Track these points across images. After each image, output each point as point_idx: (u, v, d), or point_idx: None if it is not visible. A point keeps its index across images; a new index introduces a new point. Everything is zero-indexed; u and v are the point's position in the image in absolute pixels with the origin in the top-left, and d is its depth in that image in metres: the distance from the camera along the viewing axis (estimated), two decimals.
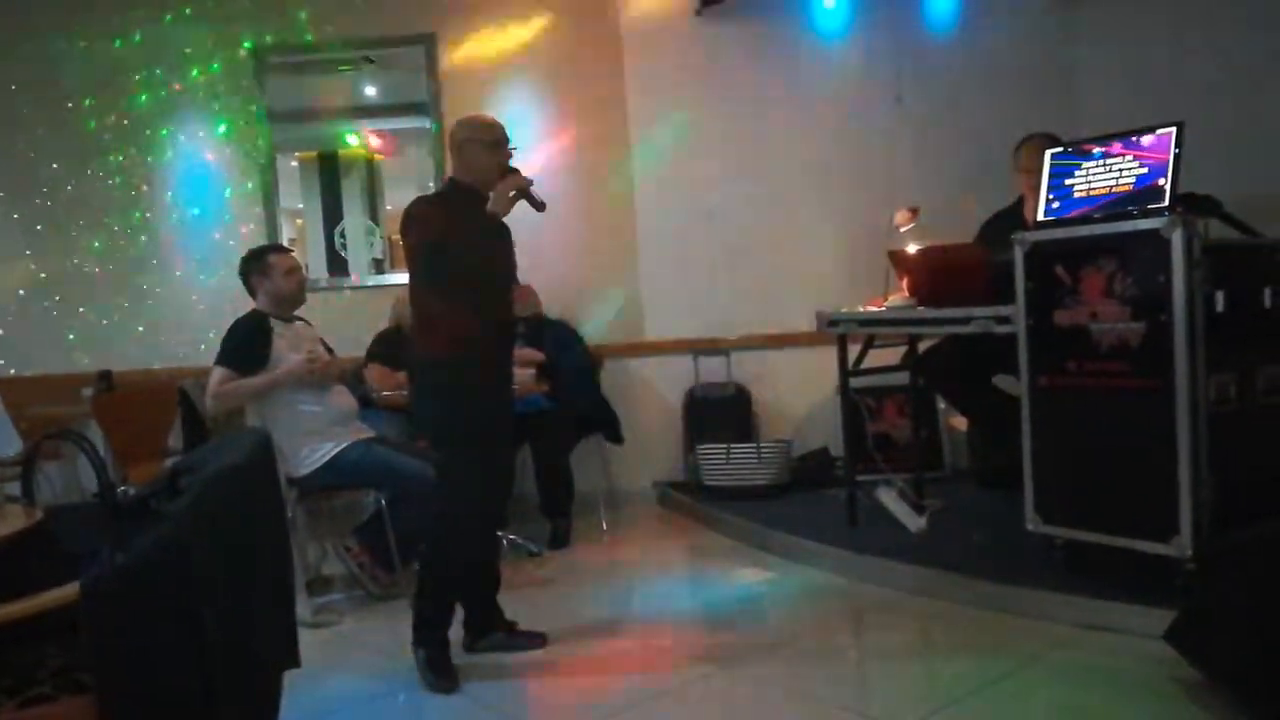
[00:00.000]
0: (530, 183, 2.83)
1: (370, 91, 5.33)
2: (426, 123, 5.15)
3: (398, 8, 5.06)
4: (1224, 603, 2.40)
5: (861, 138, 4.90)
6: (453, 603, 2.92)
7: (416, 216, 2.84)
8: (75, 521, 2.09)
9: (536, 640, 3.06)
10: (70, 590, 1.52)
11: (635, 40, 5.05)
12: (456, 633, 2.97)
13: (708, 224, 5.03)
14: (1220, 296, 2.65)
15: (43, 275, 5.26)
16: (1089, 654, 2.67)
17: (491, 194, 2.80)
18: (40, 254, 5.26)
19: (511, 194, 2.80)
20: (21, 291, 5.27)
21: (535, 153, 5.08)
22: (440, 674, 2.80)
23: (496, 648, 3.04)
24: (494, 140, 2.92)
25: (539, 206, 2.87)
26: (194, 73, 5.14)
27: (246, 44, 5.11)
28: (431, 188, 5.16)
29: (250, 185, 5.18)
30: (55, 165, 5.20)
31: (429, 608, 2.87)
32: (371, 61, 5.23)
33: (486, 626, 3.06)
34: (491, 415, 2.92)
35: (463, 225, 2.76)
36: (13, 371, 5.26)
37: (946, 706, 2.46)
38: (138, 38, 5.14)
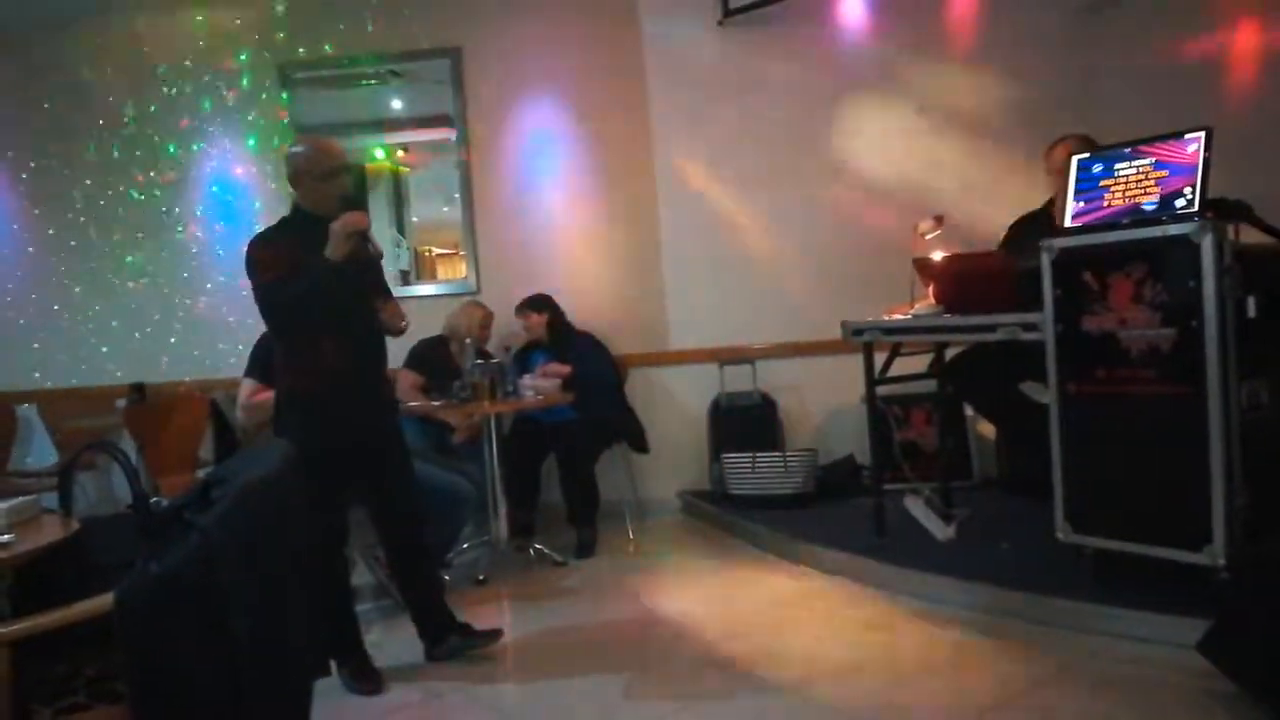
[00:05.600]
0: (367, 224, 2.79)
1: (396, 105, 5.39)
2: (452, 135, 5.21)
3: (424, 22, 5.11)
4: (1258, 613, 2.36)
5: (885, 146, 4.89)
6: (344, 621, 2.96)
7: (255, 261, 2.79)
8: (110, 532, 2.13)
9: (493, 636, 3.08)
10: (105, 600, 1.55)
11: (658, 51, 5.07)
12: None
13: (732, 233, 5.04)
14: (1251, 302, 2.62)
15: (76, 289, 5.38)
16: (1120, 665, 2.64)
17: (330, 235, 2.72)
18: (74, 268, 5.37)
19: (347, 236, 2.73)
20: (56, 306, 5.38)
21: (560, 164, 5.14)
22: (361, 679, 2.89)
23: (455, 652, 3.06)
24: (328, 171, 2.86)
25: (375, 255, 2.87)
26: (223, 88, 5.23)
27: (274, 59, 5.19)
28: (457, 200, 5.21)
29: (279, 198, 5.25)
30: (89, 181, 5.32)
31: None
32: (398, 75, 5.28)
33: (439, 633, 3.08)
34: (346, 455, 2.86)
35: (307, 259, 2.72)
36: (49, 384, 5.36)
37: (976, 718, 2.44)
38: (168, 54, 5.23)
